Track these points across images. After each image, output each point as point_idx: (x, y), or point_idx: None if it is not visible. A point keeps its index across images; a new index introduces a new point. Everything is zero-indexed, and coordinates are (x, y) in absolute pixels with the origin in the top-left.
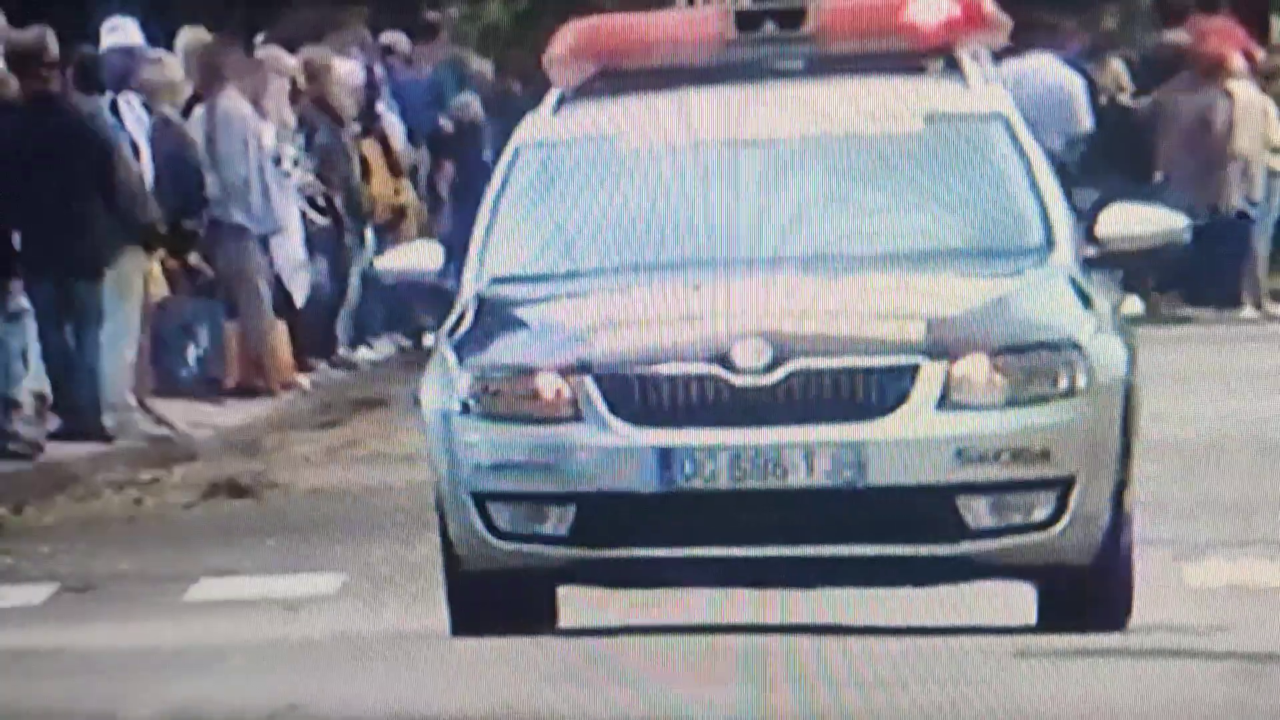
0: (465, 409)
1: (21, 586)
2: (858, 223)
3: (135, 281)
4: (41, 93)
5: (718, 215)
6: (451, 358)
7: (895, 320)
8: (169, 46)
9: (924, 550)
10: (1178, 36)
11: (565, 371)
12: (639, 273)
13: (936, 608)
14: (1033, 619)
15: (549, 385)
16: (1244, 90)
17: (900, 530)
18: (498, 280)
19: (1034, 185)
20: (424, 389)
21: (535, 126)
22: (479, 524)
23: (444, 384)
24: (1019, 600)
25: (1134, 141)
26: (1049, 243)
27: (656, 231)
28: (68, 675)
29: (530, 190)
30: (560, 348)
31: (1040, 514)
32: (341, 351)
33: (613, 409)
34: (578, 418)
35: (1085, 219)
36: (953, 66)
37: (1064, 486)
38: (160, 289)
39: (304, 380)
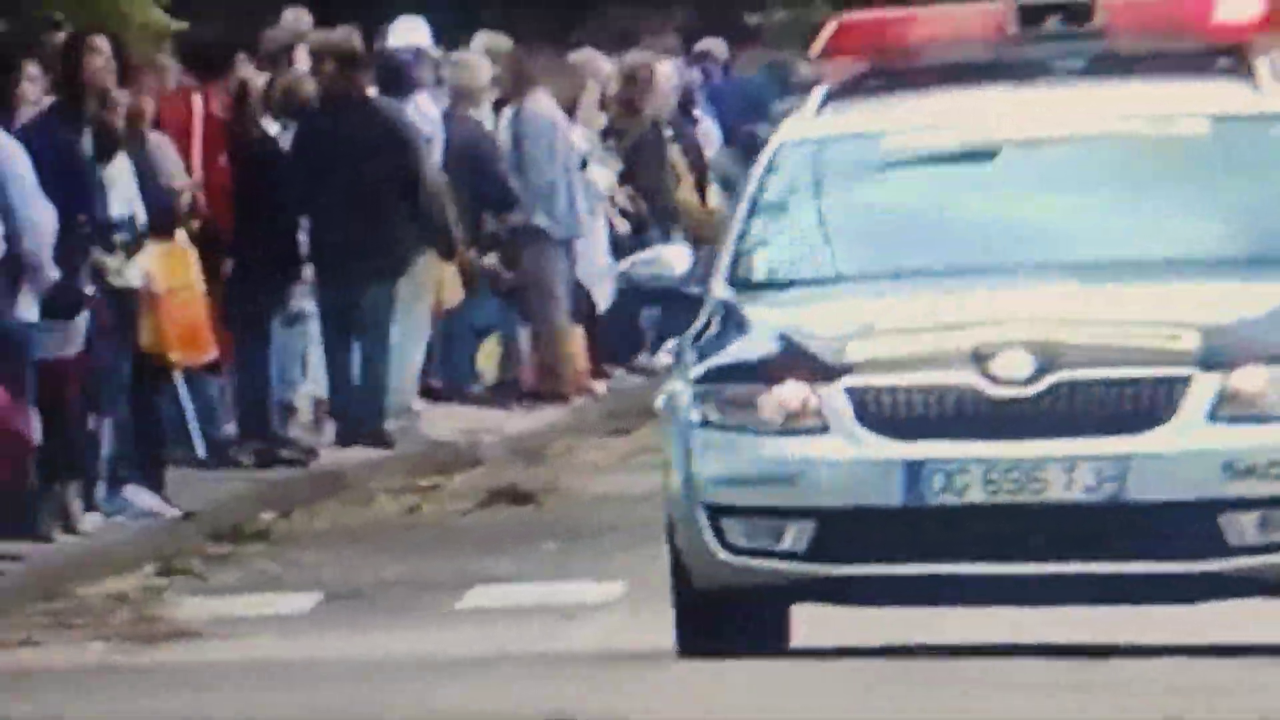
0: (705, 419)
1: (288, 595)
2: (1131, 228)
3: (429, 285)
4: (344, 93)
5: (986, 219)
6: (694, 366)
7: (1167, 329)
8: (455, 48)
9: (1186, 567)
10: None
11: (814, 381)
12: (898, 278)
13: (1203, 625)
14: None
15: (795, 395)
16: None
17: (1162, 547)
18: (748, 286)
19: None
20: (663, 397)
21: (798, 125)
22: (712, 539)
23: (684, 393)
24: None
25: None
26: None
27: (919, 235)
28: (332, 683)
29: (789, 191)
30: (810, 356)
31: None
32: (641, 358)
33: (862, 420)
34: (824, 429)
35: None
36: (1242, 65)
37: None
38: (456, 294)
39: (599, 386)
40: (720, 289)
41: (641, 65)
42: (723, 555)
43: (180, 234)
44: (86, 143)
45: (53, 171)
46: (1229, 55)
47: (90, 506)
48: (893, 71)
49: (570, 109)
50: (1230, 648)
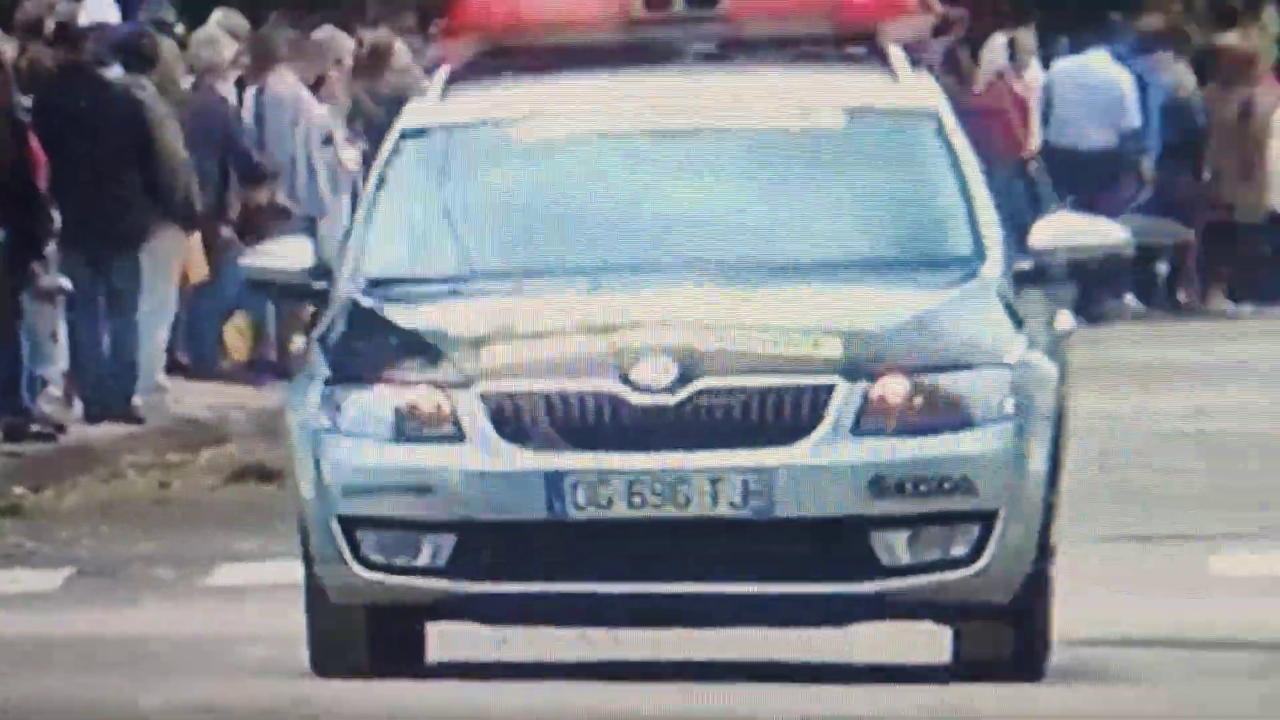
0: (334, 424)
1: (38, 571)
2: (771, 227)
3: (173, 260)
4: (75, 66)
5: (618, 215)
6: (320, 367)
7: (810, 336)
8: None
9: (837, 588)
10: (1227, 37)
11: (446, 386)
12: (531, 278)
13: (848, 646)
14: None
15: (427, 401)
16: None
17: (812, 566)
18: (375, 283)
19: (964, 190)
20: (289, 400)
21: (420, 111)
22: (346, 552)
23: (310, 396)
24: (937, 639)
25: (1192, 138)
26: (978, 254)
27: (550, 232)
28: (84, 661)
29: (413, 182)
30: (441, 359)
31: (960, 550)
32: None
33: (499, 429)
34: (459, 437)
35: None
36: (876, 54)
37: (986, 521)
38: (202, 270)
39: None
40: (346, 286)
41: (382, 43)
42: (358, 569)
43: None
44: None
45: None
46: (861, 43)
47: None
48: (516, 53)
49: (315, 87)
50: (874, 669)
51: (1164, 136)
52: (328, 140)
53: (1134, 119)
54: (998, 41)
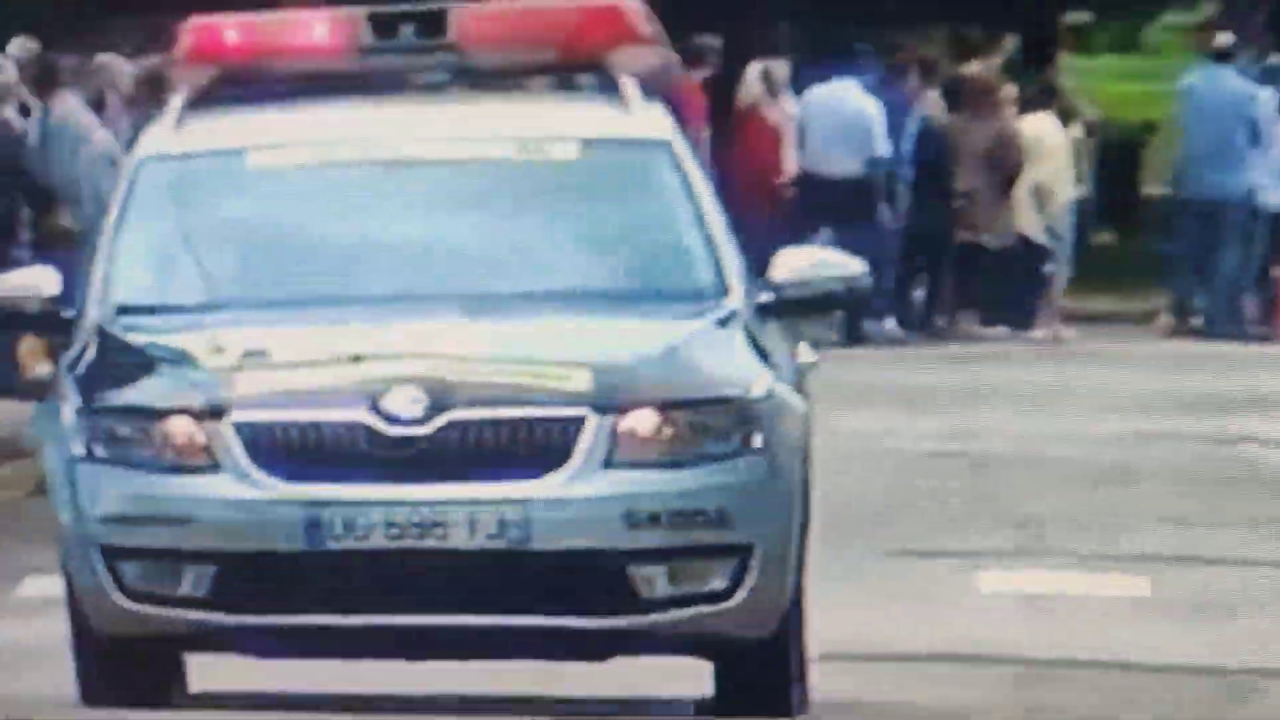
0: (90, 453)
1: None
2: (514, 259)
3: None
4: None
5: (362, 246)
6: (72, 396)
7: (559, 368)
8: None
9: (596, 623)
10: (971, 68)
11: (200, 415)
12: (278, 308)
13: (612, 678)
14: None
15: (181, 430)
16: (1032, 121)
17: (571, 599)
18: (123, 310)
19: (701, 222)
20: (41, 429)
21: (158, 139)
22: (108, 583)
23: (65, 424)
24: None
25: (944, 164)
26: (720, 286)
27: (295, 262)
28: None
29: (154, 209)
30: (194, 388)
31: (717, 584)
32: None
33: (255, 459)
34: (215, 468)
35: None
36: (608, 84)
37: (742, 554)
38: None
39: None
40: (94, 313)
41: (161, 68)
42: (120, 600)
43: None
44: None
45: None
46: (592, 73)
47: None
48: (249, 80)
49: (98, 109)
50: (636, 701)
51: (916, 163)
52: (112, 163)
53: (882, 147)
54: (753, 72)
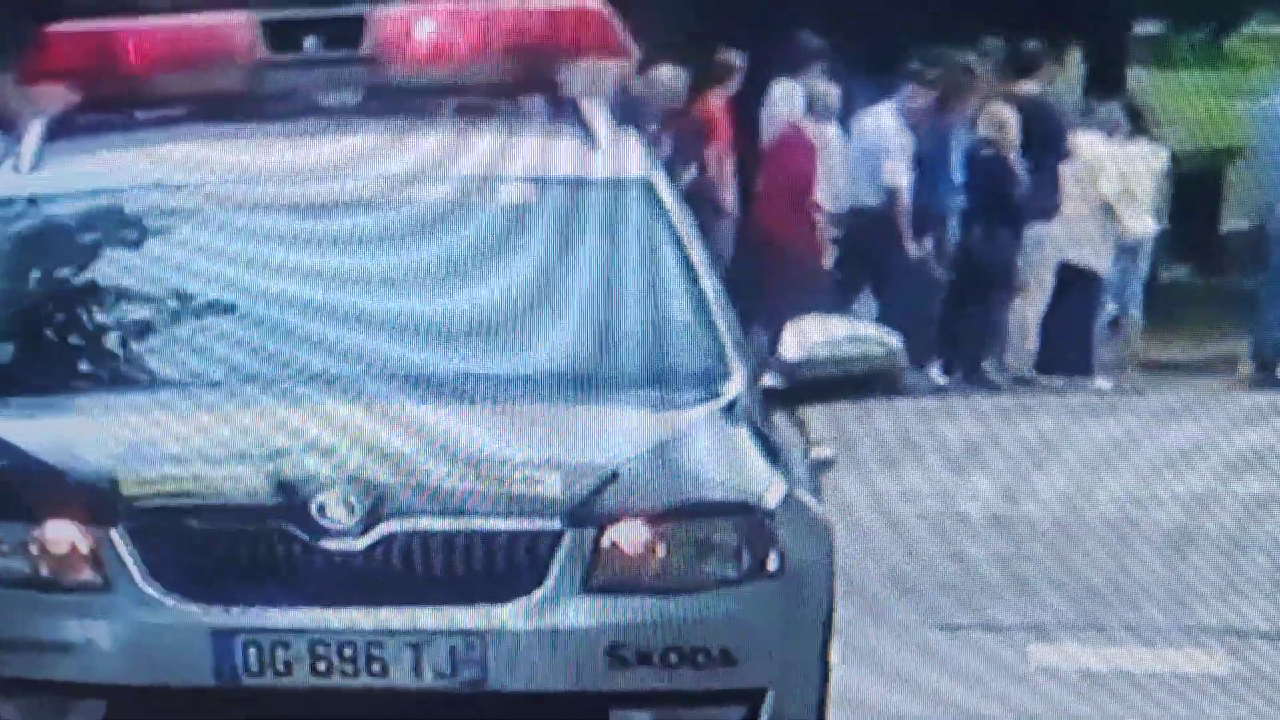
0: None
1: None
2: (465, 331)
3: None
4: None
5: (273, 311)
6: None
7: (525, 470)
8: None
9: None
10: (1029, 86)
11: (86, 521)
12: (170, 389)
13: None
14: None
15: (62, 538)
16: (1085, 144)
17: None
18: None
19: (693, 282)
20: None
21: (8, 178)
22: None
23: None
24: None
25: (1001, 191)
26: (719, 367)
27: (189, 331)
28: None
29: (9, 269)
30: (75, 489)
31: None
32: None
33: (153, 574)
34: (106, 585)
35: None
36: (568, 111)
37: (752, 701)
38: None
39: None
40: None
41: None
42: None
43: None
44: None
45: None
46: (540, 92)
47: None
48: (122, 103)
49: None
50: None
51: (968, 191)
52: None
53: (897, 177)
54: (781, 90)
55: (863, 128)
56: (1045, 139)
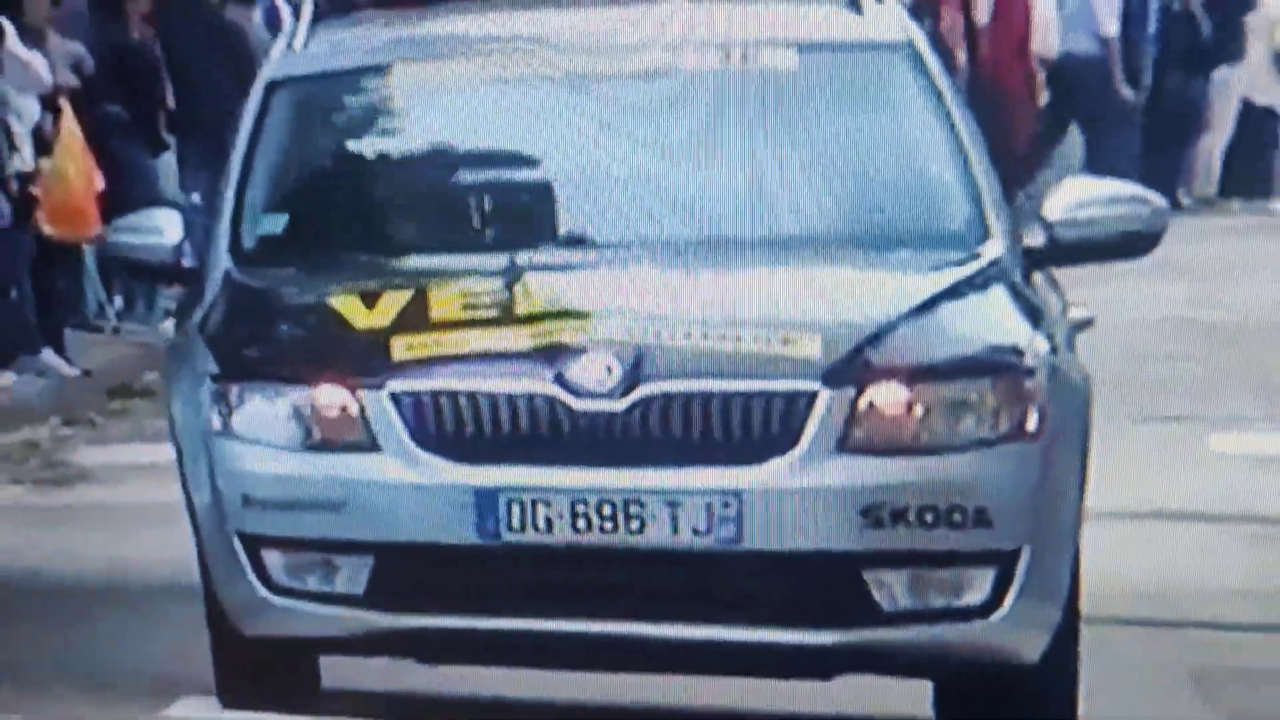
0: (227, 427)
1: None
2: (725, 195)
3: None
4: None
5: (537, 180)
6: (204, 360)
7: (783, 331)
8: None
9: (822, 638)
10: None
11: (353, 384)
12: (442, 255)
13: (825, 695)
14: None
15: (331, 401)
16: None
17: (793, 610)
18: (256, 261)
19: (955, 146)
20: (174, 396)
21: (285, 58)
22: (252, 576)
23: (197, 393)
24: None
25: (1194, 44)
26: (979, 228)
27: (458, 200)
28: None
29: (288, 142)
30: (345, 353)
31: (975, 596)
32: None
33: (416, 437)
34: (373, 445)
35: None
36: None
37: (1007, 561)
38: None
39: None
40: (224, 263)
41: None
42: (266, 595)
43: (66, 127)
44: None
45: None
46: None
47: (5, 366)
48: None
49: None
50: None
51: (1159, 40)
52: None
53: (1112, 27)
54: None
55: None
56: None
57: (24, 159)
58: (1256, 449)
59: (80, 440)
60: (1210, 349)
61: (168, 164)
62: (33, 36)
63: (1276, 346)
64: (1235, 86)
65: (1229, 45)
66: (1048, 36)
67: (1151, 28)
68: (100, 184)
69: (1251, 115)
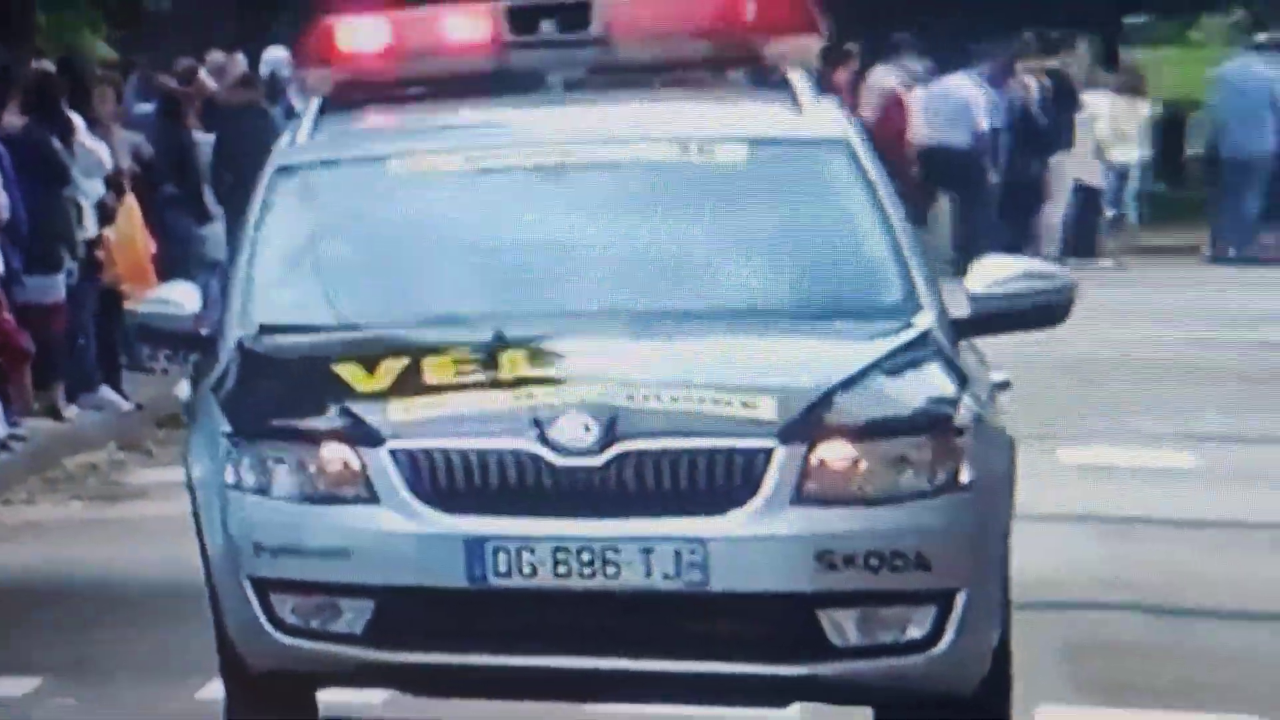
0: (239, 481)
1: None
2: (684, 273)
3: None
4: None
5: (518, 258)
6: (218, 420)
7: (742, 394)
8: None
9: (779, 670)
10: (1053, 63)
11: (354, 442)
12: (432, 326)
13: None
14: None
15: (334, 457)
16: (1090, 100)
17: (754, 645)
18: (265, 329)
19: (888, 228)
20: (191, 451)
21: (292, 145)
22: (261, 617)
23: (212, 449)
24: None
25: (1037, 136)
26: (910, 301)
27: (447, 276)
28: None
29: (293, 223)
30: (347, 414)
31: (915, 632)
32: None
33: (413, 489)
34: (373, 498)
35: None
36: (776, 80)
37: (945, 600)
38: None
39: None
40: (236, 332)
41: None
42: (274, 634)
43: (129, 195)
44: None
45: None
46: (747, 65)
47: (71, 401)
48: (383, 83)
49: None
50: None
51: (1012, 132)
52: None
53: (984, 124)
54: (878, 72)
55: (946, 88)
56: (1062, 97)
57: (87, 229)
58: (1098, 460)
59: (134, 463)
60: (1058, 379)
61: (216, 231)
62: (100, 129)
63: (1112, 376)
64: (1068, 169)
65: (1063, 136)
66: (920, 130)
67: (1005, 123)
68: (153, 248)
69: (1081, 192)
